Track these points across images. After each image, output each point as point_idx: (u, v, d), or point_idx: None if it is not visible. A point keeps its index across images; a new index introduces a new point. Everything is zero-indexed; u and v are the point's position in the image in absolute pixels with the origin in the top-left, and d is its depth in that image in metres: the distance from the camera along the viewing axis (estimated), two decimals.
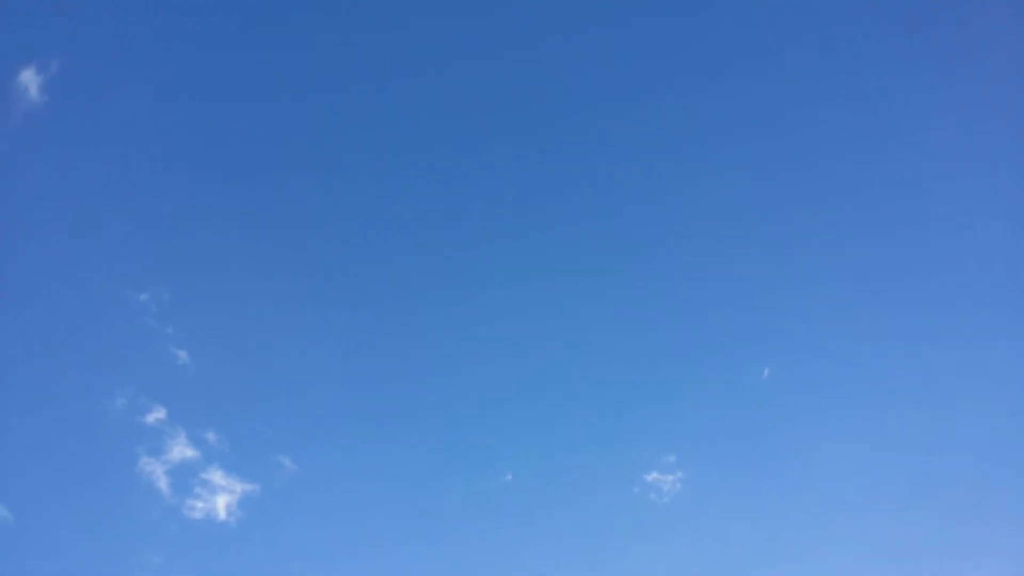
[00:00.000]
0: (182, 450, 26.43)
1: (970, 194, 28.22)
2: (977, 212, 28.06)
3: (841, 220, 28.57)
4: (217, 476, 26.40)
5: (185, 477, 26.28)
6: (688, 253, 28.72)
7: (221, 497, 26.29)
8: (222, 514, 26.18)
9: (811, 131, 29.16)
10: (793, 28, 29.53)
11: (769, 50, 29.46)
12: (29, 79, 27.46)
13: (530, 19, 29.88)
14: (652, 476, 26.66)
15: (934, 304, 27.90)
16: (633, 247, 28.96)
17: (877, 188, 28.62)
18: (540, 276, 28.93)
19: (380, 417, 27.46)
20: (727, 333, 28.01)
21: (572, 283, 28.75)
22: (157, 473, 26.18)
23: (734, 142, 29.33)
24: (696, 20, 29.73)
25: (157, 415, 26.43)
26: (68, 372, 26.70)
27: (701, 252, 28.65)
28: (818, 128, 29.15)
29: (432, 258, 28.98)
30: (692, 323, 28.21)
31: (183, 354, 26.90)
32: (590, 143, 29.60)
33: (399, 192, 29.38)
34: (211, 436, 26.62)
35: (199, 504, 26.20)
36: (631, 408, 27.62)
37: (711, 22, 29.65)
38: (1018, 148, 27.58)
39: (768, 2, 29.46)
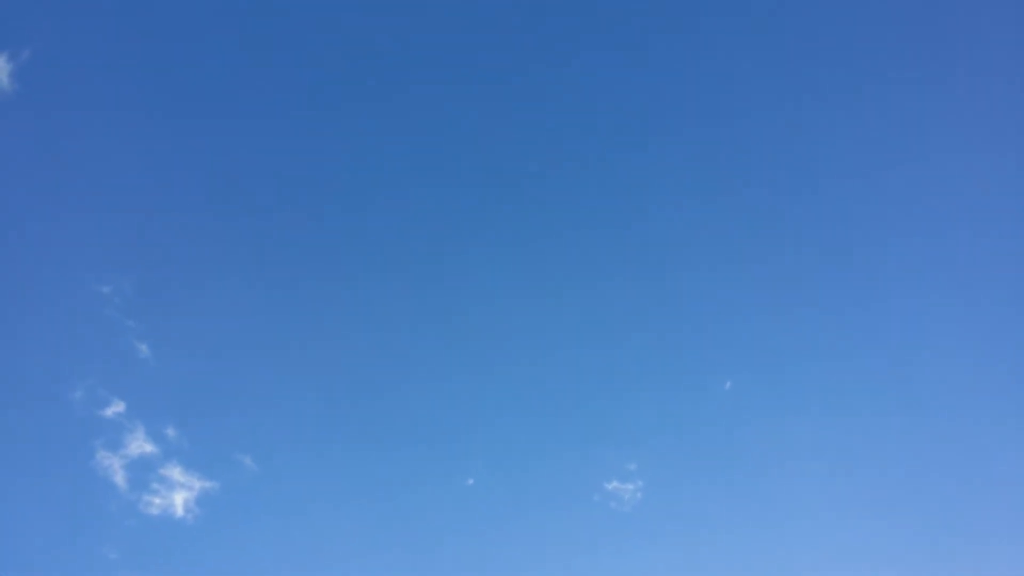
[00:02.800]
0: (140, 445, 26.14)
1: (937, 211, 28.73)
2: (944, 228, 28.60)
3: (805, 237, 28.94)
4: (176, 472, 26.15)
5: (143, 472, 26.01)
6: (653, 267, 28.94)
7: (179, 494, 26.05)
8: (180, 511, 25.96)
9: (778, 154, 29.49)
10: (787, 33, 29.76)
11: (759, 60, 29.66)
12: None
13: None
14: (612, 485, 26.87)
15: (895, 318, 28.35)
16: (598, 262, 29.12)
17: (841, 205, 29.03)
18: (504, 288, 29.00)
19: (342, 419, 27.37)
20: (690, 346, 28.29)
21: (536, 295, 28.87)
22: (114, 467, 25.88)
23: (700, 160, 29.60)
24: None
25: (116, 408, 26.10)
26: (26, 362, 26.30)
27: (666, 266, 28.90)
28: (786, 150, 29.49)
29: (397, 263, 28.92)
30: (655, 335, 28.45)
31: (144, 348, 26.60)
32: (548, 168, 29.71)
33: (367, 191, 29.25)
34: (171, 432, 26.36)
35: (156, 500, 25.95)
36: (593, 416, 27.80)
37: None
38: (991, 162, 28.09)
39: (768, 6, 29.63)
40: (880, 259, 28.59)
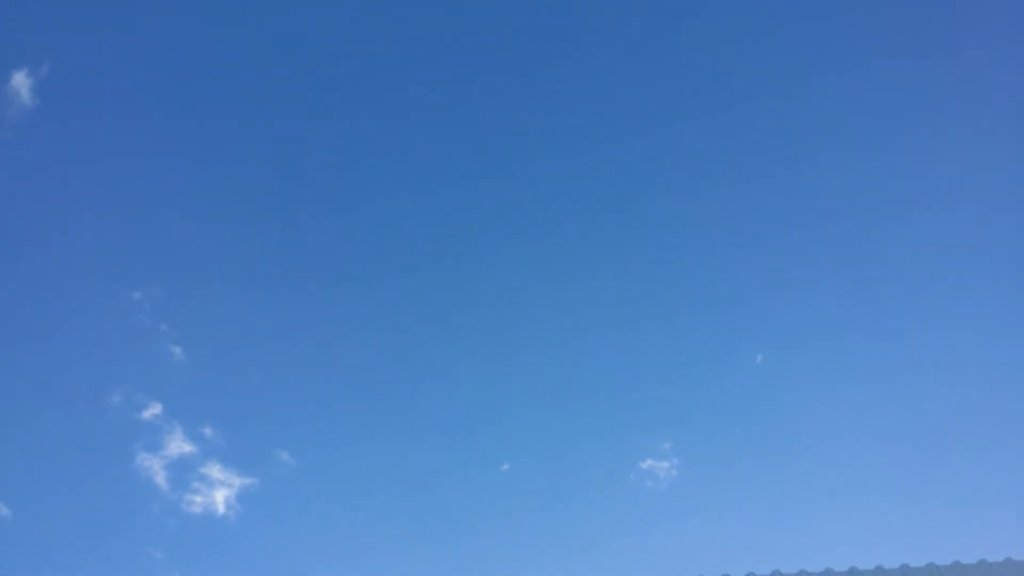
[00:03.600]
0: (179, 445, 26.55)
1: (966, 187, 28.22)
2: (974, 205, 28.08)
3: (835, 211, 28.56)
4: (215, 471, 26.54)
5: (183, 472, 26.41)
6: (678, 245, 28.81)
7: (219, 491, 26.43)
8: (221, 508, 26.35)
9: (805, 127, 29.11)
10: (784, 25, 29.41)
11: (762, 48, 29.32)
12: (21, 82, 27.39)
13: (529, 19, 29.79)
14: (647, 463, 26.82)
15: (928, 293, 27.97)
16: (626, 242, 29.02)
17: (870, 180, 28.61)
18: (534, 273, 29.03)
19: (377, 412, 27.64)
20: (720, 321, 28.14)
21: (565, 279, 28.86)
22: (155, 468, 26.30)
23: (726, 140, 29.30)
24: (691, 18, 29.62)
25: (153, 411, 26.51)
26: (62, 370, 26.83)
27: (692, 243, 28.74)
28: (811, 124, 29.10)
29: (428, 254, 29.04)
30: (686, 312, 28.33)
31: (177, 350, 26.98)
32: (588, 140, 29.57)
33: (397, 190, 29.38)
34: (208, 431, 26.73)
35: (198, 499, 26.36)
36: (625, 396, 27.79)
37: (707, 20, 29.53)
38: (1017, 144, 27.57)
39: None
40: (917, 229, 28.20)
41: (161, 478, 26.30)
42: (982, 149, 27.86)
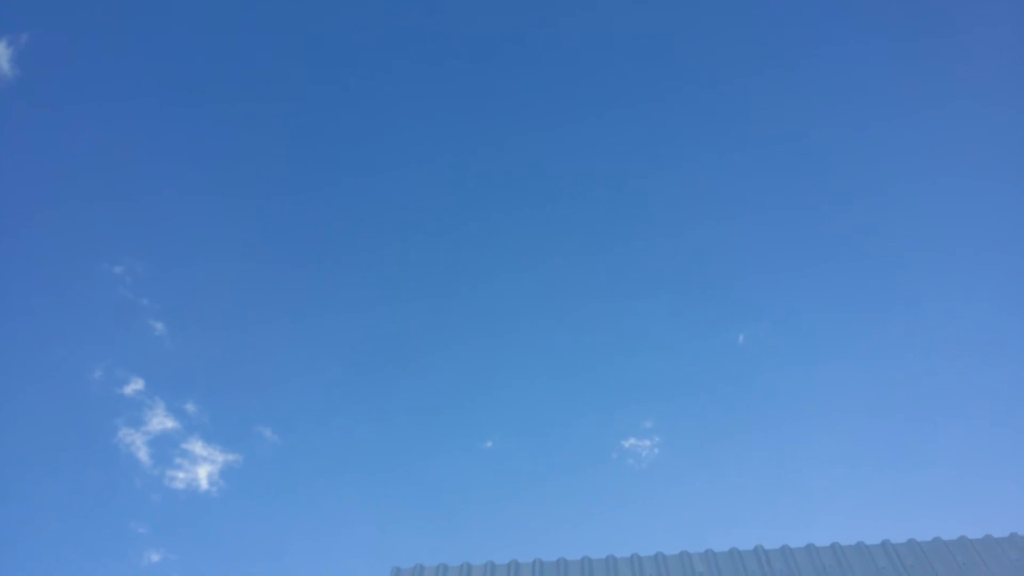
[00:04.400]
0: (161, 421, 26.47)
1: (943, 166, 28.53)
2: (952, 181, 28.39)
3: (818, 192, 28.80)
4: (198, 447, 26.51)
5: (165, 448, 26.36)
6: (666, 226, 28.93)
7: (203, 467, 26.43)
8: (204, 484, 26.36)
9: (787, 112, 29.22)
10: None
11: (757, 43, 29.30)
12: (0, 52, 26.92)
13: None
14: (629, 442, 27.11)
15: (909, 273, 28.29)
16: (610, 223, 29.11)
17: (849, 163, 28.84)
18: (518, 252, 29.06)
19: (360, 388, 27.68)
20: (702, 300, 28.38)
21: (550, 258, 28.92)
22: (137, 444, 26.23)
23: (712, 125, 29.35)
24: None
25: (135, 386, 26.40)
26: (42, 343, 26.61)
27: (679, 225, 28.87)
28: (793, 110, 29.22)
29: (414, 234, 28.97)
30: (669, 292, 28.51)
31: (159, 325, 26.82)
32: (576, 123, 29.47)
33: (383, 173, 29.24)
34: (190, 407, 26.67)
35: (180, 474, 26.34)
36: (607, 375, 28.01)
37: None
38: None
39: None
40: (894, 209, 28.48)
41: (143, 453, 26.24)
42: (960, 134, 28.23)
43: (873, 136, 28.63)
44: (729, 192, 28.89)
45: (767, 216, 28.64)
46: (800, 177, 28.91)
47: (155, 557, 25.34)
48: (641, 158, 29.47)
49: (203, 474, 26.36)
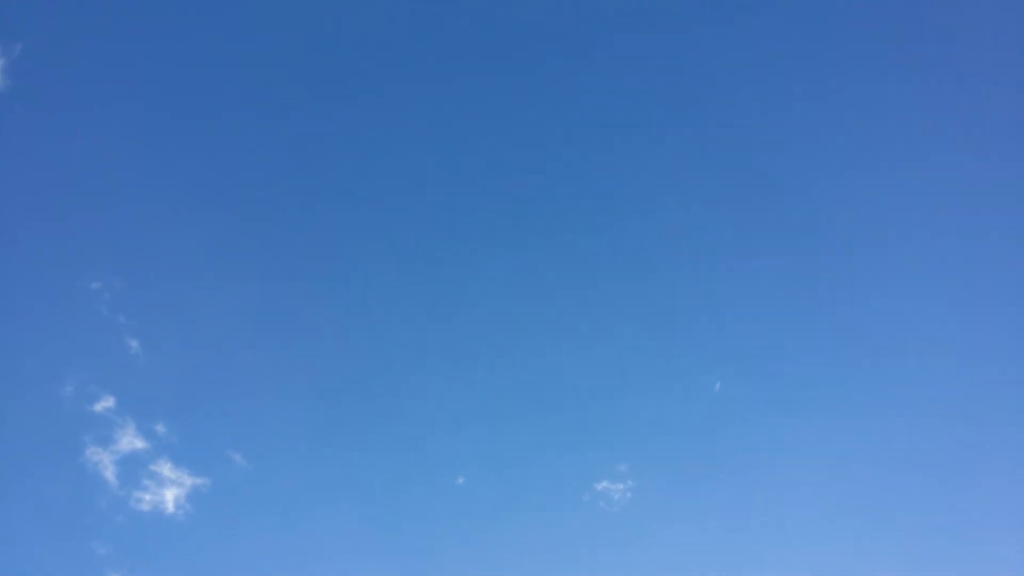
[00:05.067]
0: (131, 440, 26.12)
1: (926, 211, 28.81)
2: (934, 228, 28.66)
3: (793, 237, 28.97)
4: (166, 469, 26.15)
5: (133, 468, 25.99)
6: (643, 268, 28.98)
7: (170, 490, 26.05)
8: (170, 507, 25.96)
9: (767, 154, 29.46)
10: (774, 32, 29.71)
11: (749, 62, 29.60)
12: None
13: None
14: (602, 485, 26.97)
15: (885, 317, 28.38)
16: (587, 263, 29.15)
17: (830, 205, 29.06)
18: (494, 288, 29.01)
19: (333, 417, 27.39)
20: (680, 347, 28.38)
21: (526, 296, 28.87)
22: (104, 463, 25.85)
23: (689, 160, 29.55)
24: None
25: (106, 404, 26.06)
26: (15, 356, 26.23)
27: (656, 268, 28.94)
28: (774, 151, 29.44)
29: (389, 263, 28.87)
30: (646, 336, 28.51)
31: (134, 344, 26.54)
32: (535, 171, 29.61)
33: (359, 190, 29.17)
34: (160, 428, 26.33)
35: (147, 496, 25.94)
36: (583, 417, 27.88)
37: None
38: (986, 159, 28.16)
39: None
40: (870, 258, 28.66)
41: (110, 473, 25.84)
42: (959, 169, 28.53)
43: (852, 183, 28.99)
44: (710, 240, 29.07)
45: (748, 263, 28.80)
46: (784, 225, 29.13)
47: None
48: (627, 202, 29.61)
49: (170, 497, 25.98)
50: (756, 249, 28.85)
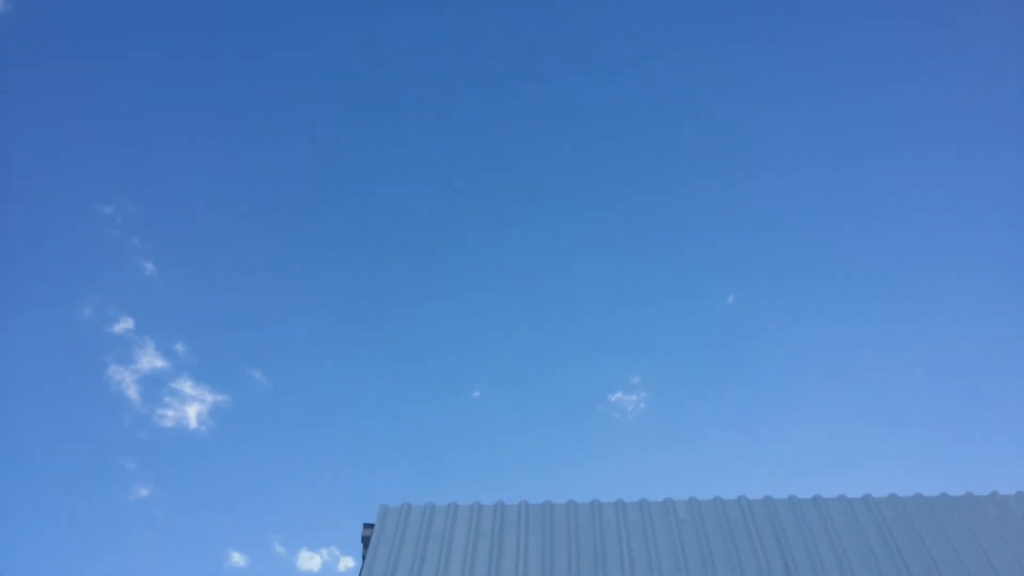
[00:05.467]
0: (151, 360, 26.48)
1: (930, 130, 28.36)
2: (942, 144, 28.25)
3: (810, 154, 28.63)
4: (187, 386, 26.56)
5: (155, 386, 26.42)
6: (656, 181, 28.76)
7: (192, 407, 26.52)
8: (193, 423, 26.48)
9: (783, 71, 28.86)
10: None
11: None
12: None
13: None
14: (616, 396, 27.29)
15: (898, 227, 28.16)
16: (602, 176, 28.91)
17: (842, 126, 28.63)
18: (507, 201, 28.87)
19: (350, 334, 27.69)
20: (693, 260, 28.36)
21: (538, 208, 28.73)
22: (127, 381, 26.26)
23: (709, 76, 28.97)
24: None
25: (124, 325, 26.35)
26: (31, 280, 26.47)
27: (669, 180, 28.72)
28: (786, 70, 28.83)
29: (405, 178, 28.73)
30: (659, 249, 28.47)
31: (149, 265, 26.69)
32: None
33: (375, 124, 28.86)
34: (180, 347, 26.66)
35: (170, 413, 26.44)
36: (597, 329, 28.07)
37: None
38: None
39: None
40: (883, 172, 28.37)
41: (133, 391, 26.28)
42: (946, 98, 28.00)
43: (865, 99, 28.44)
44: (722, 152, 28.74)
45: (760, 178, 28.55)
46: (799, 137, 28.73)
47: (143, 492, 25.54)
48: (643, 114, 29.22)
49: (192, 413, 26.46)
50: (766, 162, 28.59)
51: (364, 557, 9.86)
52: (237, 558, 26.25)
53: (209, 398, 26.64)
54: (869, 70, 28.28)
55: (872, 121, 28.43)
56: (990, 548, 9.13)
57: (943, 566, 8.99)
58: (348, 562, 26.07)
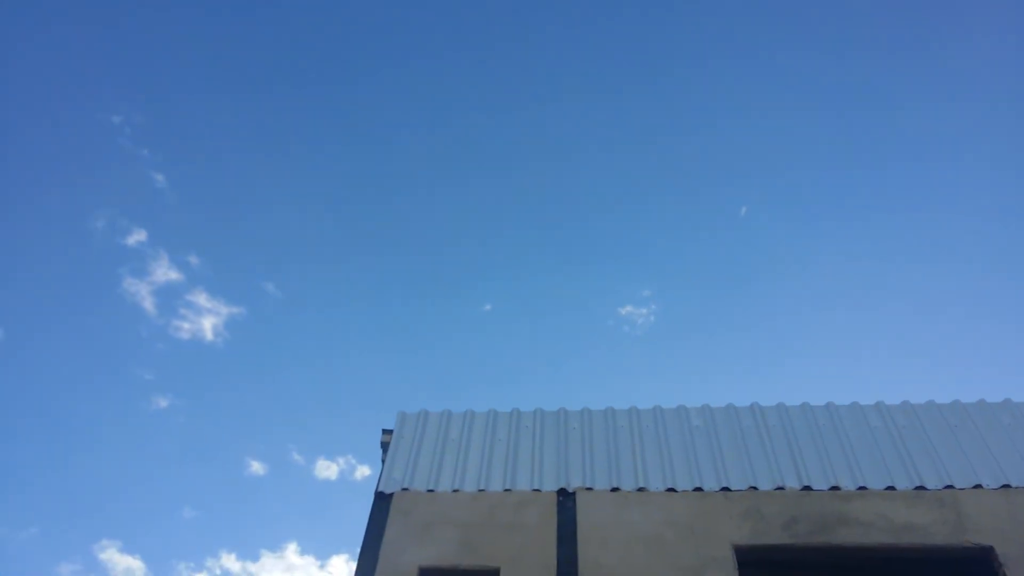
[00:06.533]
0: (165, 272, 26.70)
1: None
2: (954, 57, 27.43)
3: (821, 67, 27.91)
4: (202, 298, 26.83)
5: (170, 298, 26.69)
6: (676, 81, 28.16)
7: (207, 319, 26.83)
8: (209, 335, 26.82)
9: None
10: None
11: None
12: None
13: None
14: (626, 309, 27.42)
15: (907, 129, 27.68)
16: (624, 69, 28.27)
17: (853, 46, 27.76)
18: (522, 96, 28.33)
19: (362, 248, 27.72)
20: (706, 173, 28.03)
21: (555, 99, 28.01)
22: (142, 293, 26.53)
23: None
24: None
25: (138, 237, 26.45)
26: (43, 193, 26.43)
27: (681, 99, 28.12)
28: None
29: (417, 76, 28.21)
30: (672, 164, 28.12)
31: (160, 177, 26.60)
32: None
33: (374, 37, 28.13)
34: (193, 260, 26.81)
35: (185, 325, 26.77)
36: (607, 243, 28.01)
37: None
38: None
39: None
40: (890, 84, 27.66)
41: (149, 303, 26.56)
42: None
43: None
44: (741, 67, 28.02)
45: (773, 79, 27.90)
46: (808, 54, 27.93)
47: (163, 403, 26.10)
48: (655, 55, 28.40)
49: (208, 325, 26.80)
50: (776, 79, 27.87)
51: (383, 462, 10.07)
52: (256, 466, 26.99)
53: (224, 310, 26.93)
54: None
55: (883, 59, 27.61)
56: (1001, 455, 9.23)
57: (954, 472, 9.11)
58: (364, 470, 26.79)
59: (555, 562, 8.75)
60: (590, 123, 28.41)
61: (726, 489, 9.22)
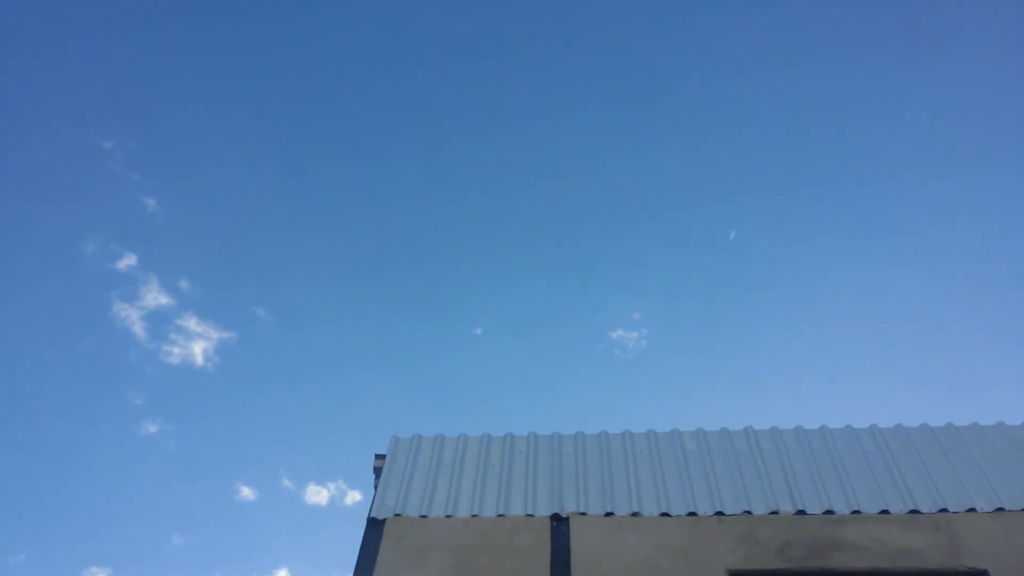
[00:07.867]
0: (156, 296, 26.59)
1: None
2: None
3: (815, 81, 28.16)
4: (192, 323, 26.72)
5: (160, 323, 26.58)
6: (667, 102, 28.35)
7: (197, 343, 26.71)
8: (199, 359, 26.69)
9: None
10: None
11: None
12: None
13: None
14: (617, 333, 27.43)
15: (902, 144, 27.81)
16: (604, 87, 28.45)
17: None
18: (511, 117, 28.44)
19: (354, 272, 27.70)
20: (696, 196, 28.17)
21: (548, 116, 28.13)
22: (132, 318, 26.41)
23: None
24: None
25: (128, 261, 26.37)
26: (34, 217, 26.38)
27: (672, 115, 28.32)
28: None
29: (409, 98, 28.34)
30: (662, 184, 28.25)
31: (151, 202, 26.58)
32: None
33: (369, 56, 28.33)
34: (184, 284, 26.74)
35: (176, 350, 26.64)
36: (598, 266, 28.07)
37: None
38: None
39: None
40: (886, 101, 27.88)
41: (139, 327, 26.43)
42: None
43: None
44: (725, 85, 28.27)
45: (763, 110, 28.14)
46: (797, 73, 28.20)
47: (152, 428, 25.91)
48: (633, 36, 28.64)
49: (198, 350, 26.67)
50: (768, 96, 28.12)
51: (376, 487, 10.00)
52: (246, 492, 26.77)
53: (215, 335, 26.82)
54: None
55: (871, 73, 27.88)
56: (995, 478, 9.23)
57: (948, 496, 9.10)
58: (355, 496, 26.58)
59: None
60: (583, 144, 28.57)
61: (720, 513, 9.19)
